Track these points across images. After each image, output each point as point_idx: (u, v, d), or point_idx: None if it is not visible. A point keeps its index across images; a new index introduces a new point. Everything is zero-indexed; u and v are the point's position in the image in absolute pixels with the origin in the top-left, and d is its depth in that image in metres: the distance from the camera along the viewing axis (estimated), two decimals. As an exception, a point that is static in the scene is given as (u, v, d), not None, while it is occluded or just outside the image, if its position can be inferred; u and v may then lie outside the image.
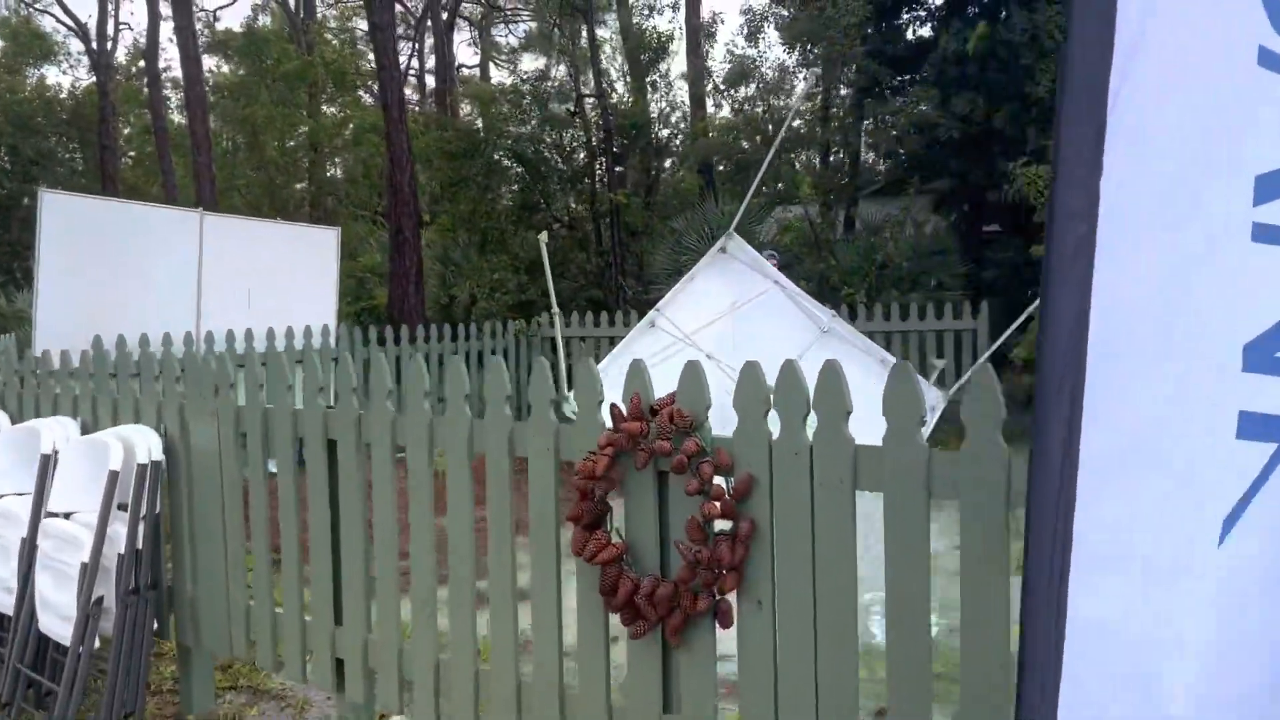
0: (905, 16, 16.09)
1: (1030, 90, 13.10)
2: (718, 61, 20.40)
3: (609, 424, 2.44)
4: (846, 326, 8.78)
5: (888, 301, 10.94)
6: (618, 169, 16.67)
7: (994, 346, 8.46)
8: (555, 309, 8.56)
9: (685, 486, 2.29)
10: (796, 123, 14.69)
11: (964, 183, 14.83)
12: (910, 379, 2.15)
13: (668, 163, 17.59)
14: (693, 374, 2.43)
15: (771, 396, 2.29)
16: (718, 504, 2.23)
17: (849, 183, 15.69)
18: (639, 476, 2.43)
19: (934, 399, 8.25)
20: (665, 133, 17.05)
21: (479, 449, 2.82)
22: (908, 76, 15.02)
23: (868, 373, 8.25)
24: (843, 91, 15.68)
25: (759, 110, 16.25)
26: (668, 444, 2.31)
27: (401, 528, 3.05)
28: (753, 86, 16.25)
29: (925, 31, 16.42)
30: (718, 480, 2.28)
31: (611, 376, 7.90)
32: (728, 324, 8.28)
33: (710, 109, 17.99)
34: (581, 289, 17.10)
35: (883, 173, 16.69)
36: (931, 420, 8.20)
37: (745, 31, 15.98)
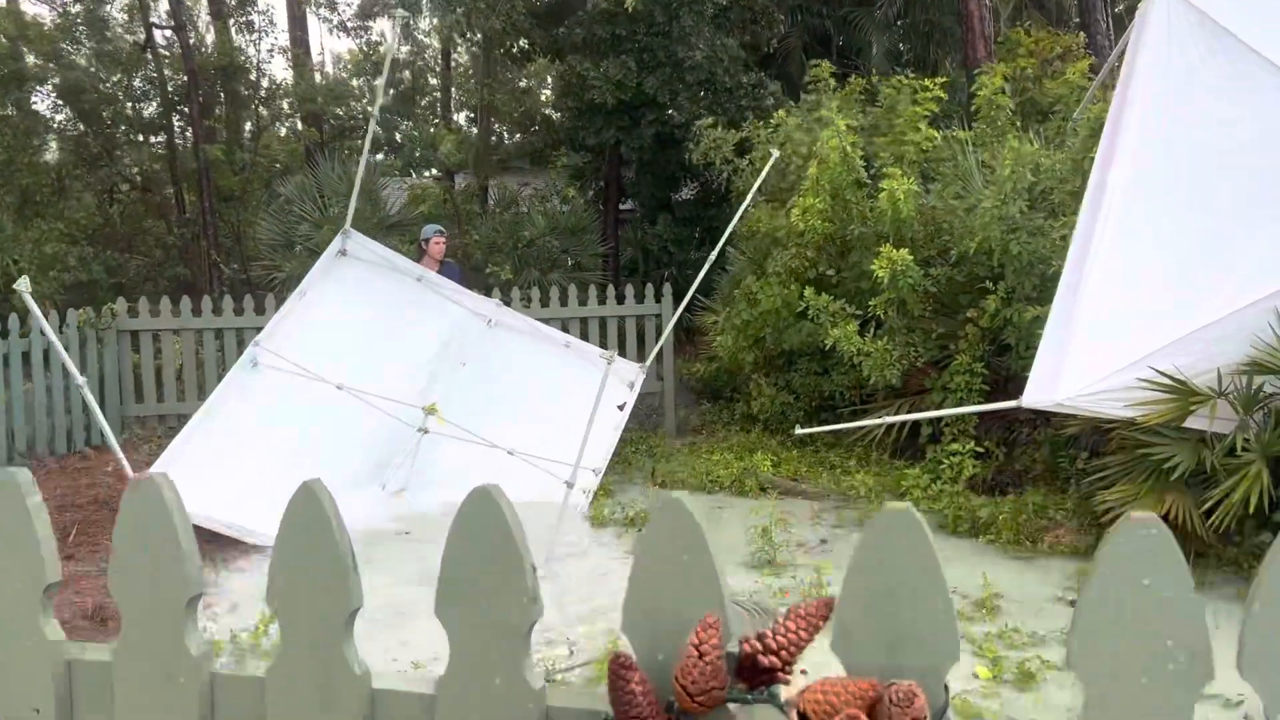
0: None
1: (685, 55, 13.89)
2: None
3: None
4: (513, 314, 8.32)
5: (531, 282, 11.00)
6: (206, 122, 15.19)
7: (670, 328, 8.69)
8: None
9: None
10: (424, 77, 14.35)
11: (615, 152, 15.37)
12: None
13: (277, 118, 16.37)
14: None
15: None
16: None
17: (488, 148, 15.63)
18: None
19: (632, 374, 8.12)
20: (269, 79, 15.85)
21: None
22: (559, 30, 15.26)
23: (550, 356, 7.98)
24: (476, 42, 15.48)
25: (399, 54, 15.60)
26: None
27: None
28: (385, 24, 15.57)
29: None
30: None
31: (198, 448, 6.39)
32: (366, 342, 7.49)
33: (325, 49, 17.07)
34: (160, 266, 15.19)
35: (526, 140, 16.86)
36: (633, 396, 8.03)
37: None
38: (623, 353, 9.60)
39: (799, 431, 7.25)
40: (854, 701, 1.08)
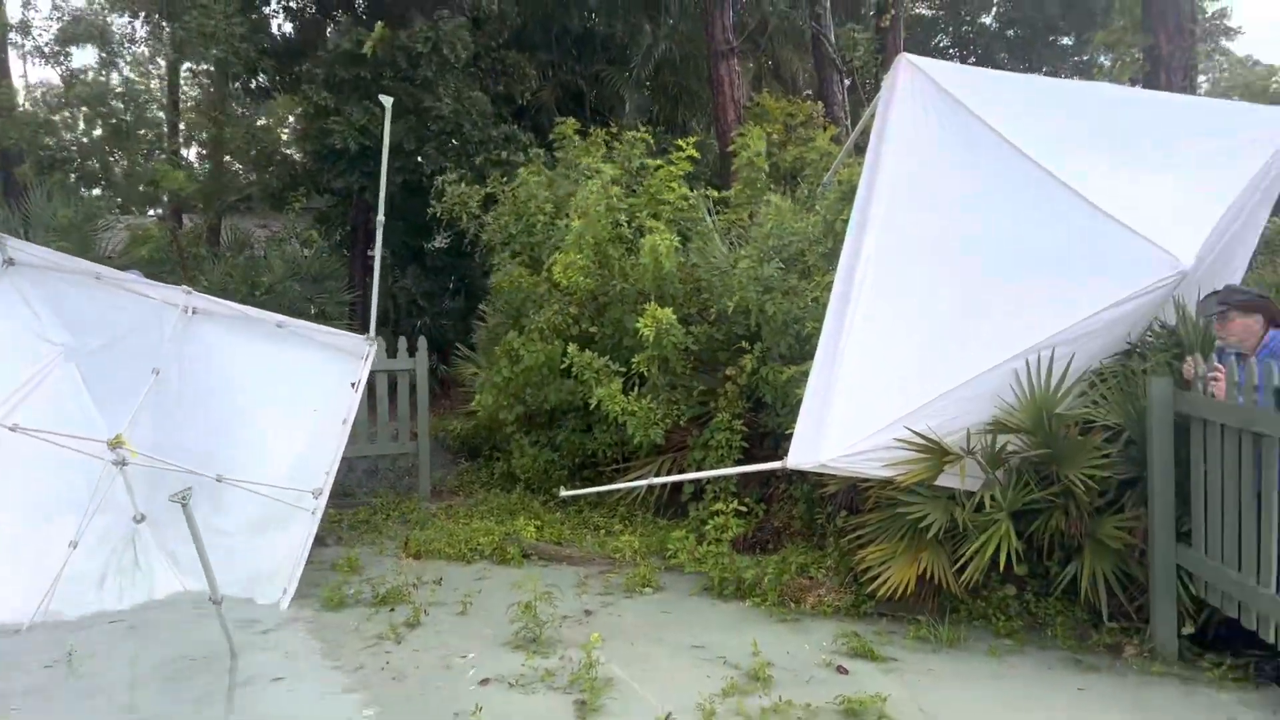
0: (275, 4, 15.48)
1: (432, 105, 13.44)
2: (42, 14, 17.47)
3: None
4: (213, 300, 7.32)
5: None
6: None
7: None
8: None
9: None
10: (147, 110, 13.03)
11: (360, 199, 14.61)
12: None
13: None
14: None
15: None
16: None
17: (220, 187, 14.43)
18: None
19: (359, 346, 7.32)
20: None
21: None
22: (300, 69, 14.39)
23: (262, 344, 7.12)
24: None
25: (109, 82, 14.05)
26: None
27: None
28: (90, 50, 14.01)
29: (289, 28, 16.00)
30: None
31: None
32: (48, 366, 6.49)
33: (29, 74, 15.22)
34: None
35: (264, 180, 15.75)
36: (364, 371, 7.21)
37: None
38: (372, 413, 8.96)
39: (563, 494, 6.95)
40: None
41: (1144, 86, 10.49)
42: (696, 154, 8.60)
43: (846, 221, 6.39)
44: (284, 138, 17.75)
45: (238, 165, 15.39)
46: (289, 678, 5.02)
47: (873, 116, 6.42)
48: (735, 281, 6.81)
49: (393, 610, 5.93)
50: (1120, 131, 6.02)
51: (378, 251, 7.68)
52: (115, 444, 6.21)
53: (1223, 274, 5.88)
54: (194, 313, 7.05)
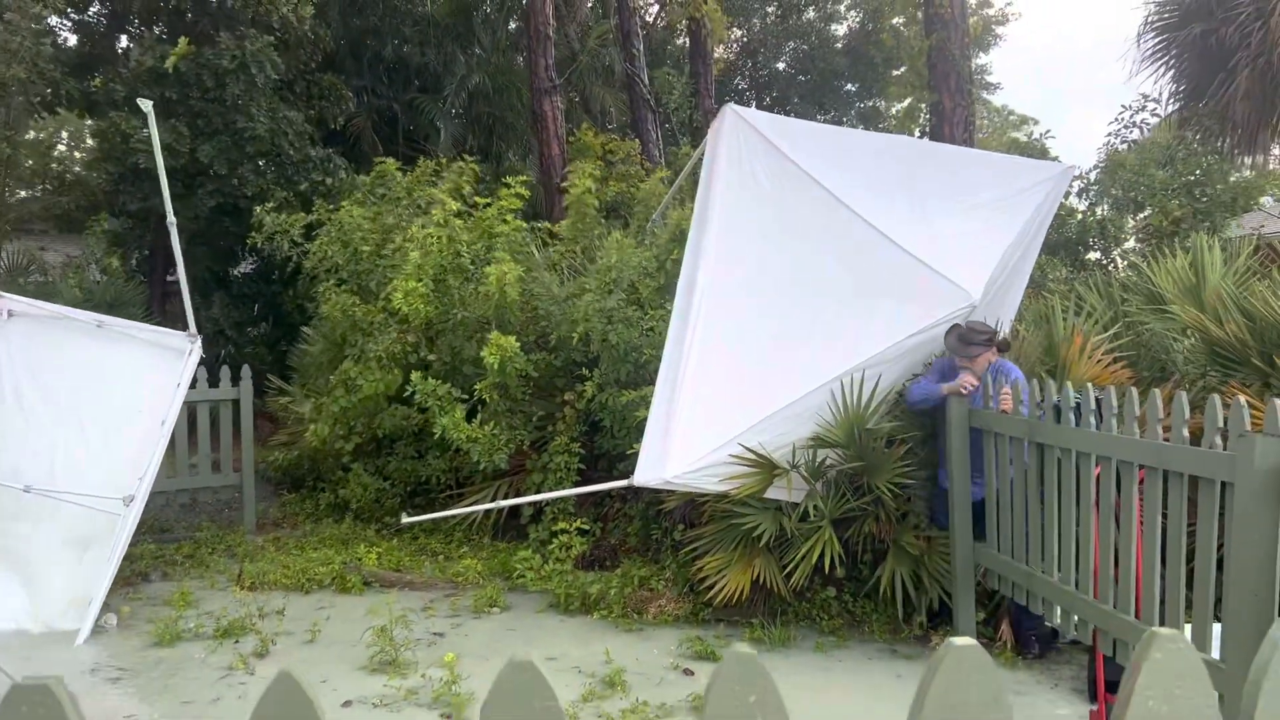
0: (91, 15, 14.74)
1: (246, 126, 13.07)
2: None
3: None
4: (28, 301, 7.05)
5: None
6: None
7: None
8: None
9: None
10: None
11: (159, 222, 13.97)
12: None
13: None
14: None
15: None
16: None
17: (3, 207, 13.45)
18: None
19: (183, 342, 7.08)
20: None
21: None
22: (93, 83, 13.66)
23: (83, 346, 6.85)
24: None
25: None
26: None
27: None
28: None
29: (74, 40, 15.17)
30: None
31: None
32: None
33: None
34: None
35: (52, 200, 14.80)
36: (189, 369, 7.01)
37: None
38: (193, 444, 8.69)
39: (405, 520, 7.03)
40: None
41: (930, 137, 11.65)
42: (526, 192, 8.89)
43: (677, 260, 6.87)
44: (77, 156, 16.73)
45: (23, 187, 14.37)
46: (146, 716, 4.89)
47: (699, 160, 6.93)
48: (579, 311, 7.14)
49: (237, 642, 5.85)
50: (916, 179, 6.78)
51: (178, 253, 7.35)
52: None
53: (1002, 304, 6.72)
54: (10, 315, 6.70)
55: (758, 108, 22.57)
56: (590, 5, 19.52)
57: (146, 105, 6.83)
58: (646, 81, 14.15)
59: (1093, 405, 4.62)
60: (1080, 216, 12.31)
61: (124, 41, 15.48)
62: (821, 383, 5.92)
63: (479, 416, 7.63)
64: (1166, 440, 4.11)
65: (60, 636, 5.91)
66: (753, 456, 5.84)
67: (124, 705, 4.96)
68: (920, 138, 17.52)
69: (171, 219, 7.17)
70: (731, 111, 6.73)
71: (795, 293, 6.23)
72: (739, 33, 21.16)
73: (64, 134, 15.29)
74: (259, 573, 7.19)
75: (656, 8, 20.86)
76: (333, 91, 14.95)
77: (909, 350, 6.05)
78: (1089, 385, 4.75)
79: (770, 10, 22.61)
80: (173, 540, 8.29)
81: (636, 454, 6.14)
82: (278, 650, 5.72)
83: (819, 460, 5.99)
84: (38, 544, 6.15)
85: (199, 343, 7.13)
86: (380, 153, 14.38)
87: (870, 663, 5.54)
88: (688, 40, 15.97)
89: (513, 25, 18.48)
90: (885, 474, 5.84)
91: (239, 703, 4.97)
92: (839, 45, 22.15)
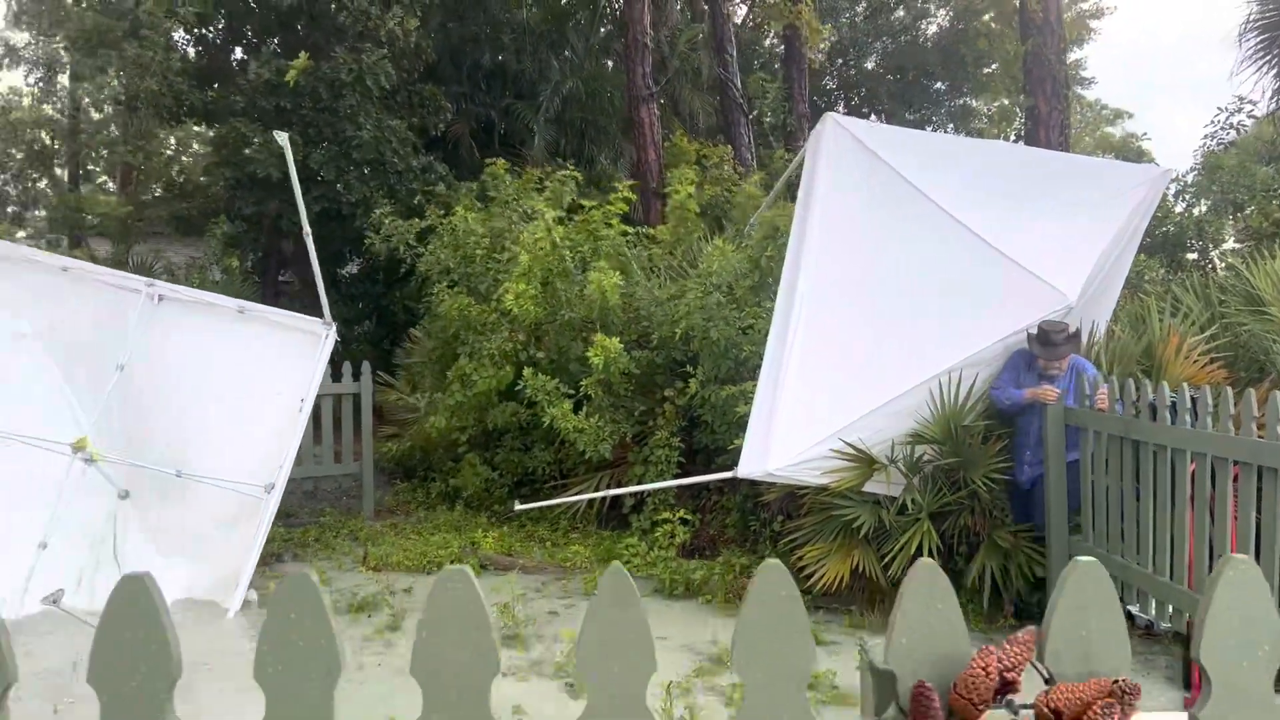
0: (212, 30, 15.63)
1: (353, 135, 13.78)
2: None
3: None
4: (173, 286, 7.64)
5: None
6: None
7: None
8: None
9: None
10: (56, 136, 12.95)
11: (274, 223, 14.79)
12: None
13: None
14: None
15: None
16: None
17: (134, 214, 14.41)
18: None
19: (321, 331, 7.53)
20: None
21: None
22: (210, 95, 14.53)
23: (223, 331, 7.32)
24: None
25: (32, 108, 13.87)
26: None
27: None
28: (18, 75, 13.80)
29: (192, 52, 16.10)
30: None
31: None
32: (14, 366, 6.67)
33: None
34: None
35: (178, 206, 15.75)
36: (324, 354, 7.42)
37: (13, 8, 13.41)
38: (316, 435, 9.30)
39: (517, 508, 7.48)
40: (1100, 694, 1.47)
41: (1025, 140, 11.74)
42: (633, 195, 9.29)
43: (771, 258, 7.18)
44: (188, 162, 17.68)
45: (147, 193, 15.32)
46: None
47: (799, 166, 7.24)
48: (681, 310, 7.52)
49: (370, 616, 6.36)
50: (1013, 183, 6.99)
51: (313, 255, 7.82)
52: (79, 446, 6.47)
53: (1098, 306, 6.89)
54: (160, 300, 7.24)
55: (845, 107, 22.73)
56: (679, 9, 19.87)
57: (283, 138, 7.32)
58: (739, 86, 14.46)
59: (1188, 404, 4.81)
60: (1178, 218, 12.24)
61: (238, 54, 16.38)
62: (920, 381, 6.18)
63: (584, 410, 8.05)
64: (1261, 438, 4.29)
65: (215, 610, 6.47)
66: (852, 451, 6.13)
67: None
68: (1015, 141, 17.50)
69: (307, 229, 7.71)
70: (832, 120, 7.02)
71: (894, 295, 6.50)
72: (828, 32, 21.33)
73: (191, 144, 16.19)
74: (382, 555, 7.73)
75: (744, 9, 21.13)
76: (433, 101, 15.57)
77: (1005, 350, 6.27)
78: (1184, 384, 4.94)
79: (859, 9, 22.69)
80: (299, 525, 8.89)
81: (736, 448, 6.49)
82: (408, 626, 6.20)
83: (916, 455, 6.25)
84: (190, 525, 6.71)
85: (334, 329, 7.52)
86: (477, 158, 14.98)
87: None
88: (780, 44, 16.22)
89: (604, 31, 18.93)
90: (981, 469, 6.08)
91: (380, 670, 5.45)
92: (928, 44, 22.12)
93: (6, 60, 13.88)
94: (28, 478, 6.33)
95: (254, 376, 7.17)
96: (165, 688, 1.50)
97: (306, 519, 9.17)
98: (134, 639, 1.49)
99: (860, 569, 6.23)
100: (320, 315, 7.51)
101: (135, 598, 1.49)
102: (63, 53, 12.65)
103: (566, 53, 18.04)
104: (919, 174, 6.73)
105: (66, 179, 13.65)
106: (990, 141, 10.22)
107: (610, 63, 19.33)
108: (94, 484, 6.42)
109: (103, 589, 6.42)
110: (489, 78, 17.59)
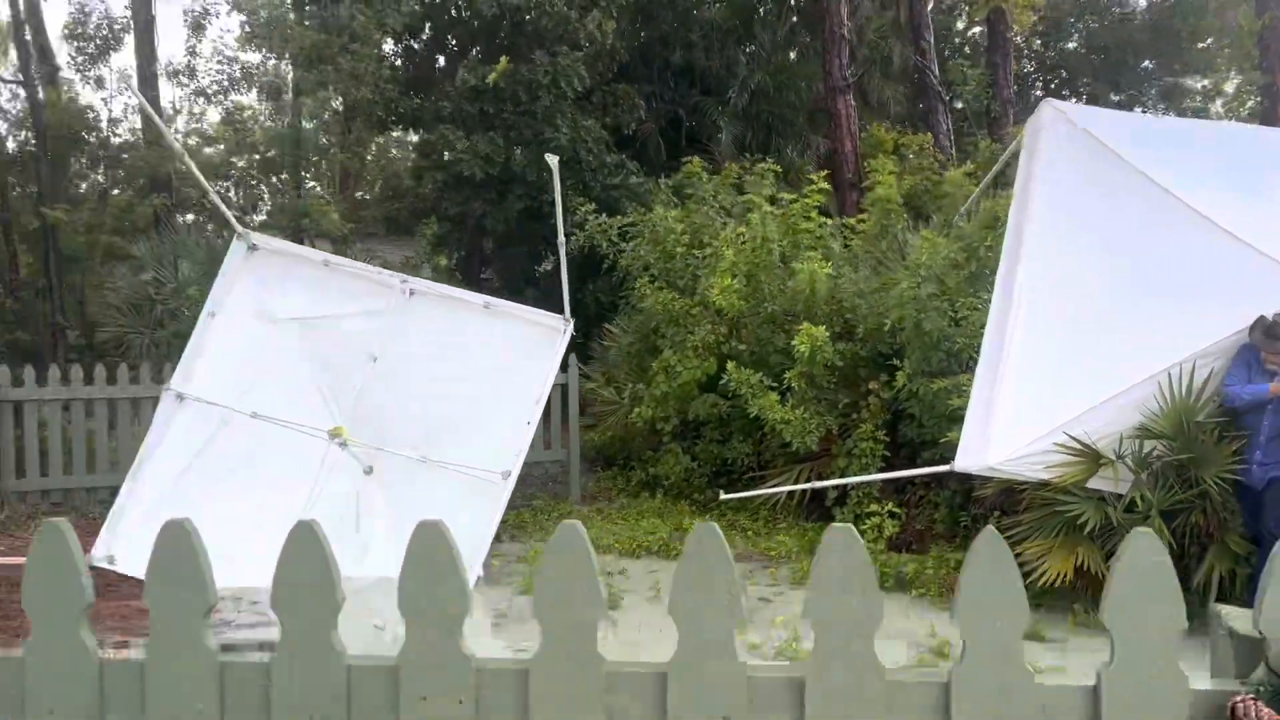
0: (419, 41, 16.60)
1: (551, 136, 14.35)
2: (205, 59, 18.83)
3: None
4: (425, 282, 8.19)
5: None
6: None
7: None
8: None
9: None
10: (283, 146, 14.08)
11: (476, 222, 15.58)
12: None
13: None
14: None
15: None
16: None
17: (354, 216, 15.48)
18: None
19: (560, 325, 7.72)
20: (120, 139, 15.10)
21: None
22: (417, 101, 15.43)
23: (469, 324, 7.67)
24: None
25: (262, 121, 15.23)
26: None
27: None
28: (252, 94, 15.23)
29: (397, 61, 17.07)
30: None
31: (149, 509, 6.31)
32: (281, 355, 7.26)
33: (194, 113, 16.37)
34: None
35: (389, 207, 16.80)
36: (559, 349, 7.64)
37: (247, 31, 14.80)
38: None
39: (723, 497, 7.65)
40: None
41: (1261, 120, 10.99)
42: (829, 187, 9.32)
43: (990, 247, 7.04)
44: (393, 166, 18.78)
45: (361, 195, 16.42)
46: (533, 650, 5.77)
47: (1014, 154, 7.08)
48: (891, 301, 7.50)
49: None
50: (1247, 166, 6.61)
51: (563, 263, 8.12)
52: (335, 434, 7.07)
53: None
54: (412, 294, 7.73)
55: (1044, 90, 21.78)
56: (868, -3, 19.57)
57: (553, 160, 7.65)
58: (937, 73, 14.17)
59: None
60: None
61: (440, 61, 17.29)
62: (1149, 374, 5.96)
63: (788, 403, 8.14)
64: None
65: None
66: (1077, 446, 5.98)
67: (511, 639, 5.88)
68: (1246, 121, 16.32)
69: (562, 239, 7.95)
70: (1050, 106, 6.84)
71: (1121, 284, 6.28)
72: (1040, 4, 20.51)
73: (390, 150, 17.22)
74: (594, 539, 8.02)
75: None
76: (627, 100, 15.96)
77: (1236, 343, 5.96)
78: None
79: (1063, -11, 21.70)
80: (512, 508, 9.36)
81: (946, 442, 6.43)
82: (626, 605, 6.49)
83: (1144, 451, 6.03)
84: (430, 506, 7.18)
85: (571, 325, 7.79)
86: (665, 156, 15.28)
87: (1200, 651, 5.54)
88: (984, 30, 15.74)
89: (790, 24, 18.88)
90: (1214, 467, 5.81)
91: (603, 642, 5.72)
92: (1135, 20, 20.90)
93: (242, 83, 15.20)
94: (289, 459, 6.92)
95: (496, 368, 7.45)
96: (458, 619, 1.79)
97: (519, 503, 9.65)
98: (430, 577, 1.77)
99: (1085, 566, 6.07)
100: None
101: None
102: (285, 69, 13.79)
103: (752, 48, 18.10)
104: (1144, 159, 6.48)
105: (289, 183, 14.82)
106: (1219, 122, 9.64)
107: (794, 54, 19.24)
108: (344, 465, 6.99)
109: (343, 561, 6.99)
110: (677, 76, 17.86)
